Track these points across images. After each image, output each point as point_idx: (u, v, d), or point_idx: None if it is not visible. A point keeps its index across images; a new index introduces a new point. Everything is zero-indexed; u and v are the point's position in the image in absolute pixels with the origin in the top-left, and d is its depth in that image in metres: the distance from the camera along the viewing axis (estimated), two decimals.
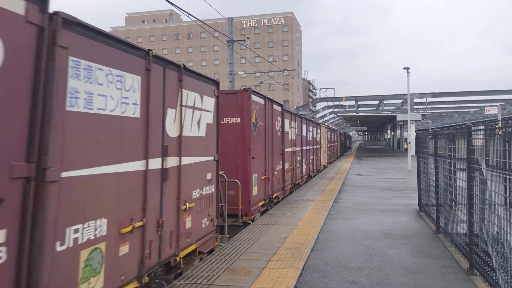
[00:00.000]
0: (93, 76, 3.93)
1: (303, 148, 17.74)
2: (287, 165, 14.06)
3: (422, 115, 44.70)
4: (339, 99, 52.37)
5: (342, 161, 34.67)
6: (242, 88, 9.82)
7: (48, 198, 3.26)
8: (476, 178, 5.67)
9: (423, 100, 49.57)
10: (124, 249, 4.42)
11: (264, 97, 11.16)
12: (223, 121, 9.25)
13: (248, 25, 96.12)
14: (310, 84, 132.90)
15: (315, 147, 22.04)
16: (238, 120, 9.66)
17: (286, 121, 14.15)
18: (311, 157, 20.34)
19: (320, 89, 55.24)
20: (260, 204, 10.64)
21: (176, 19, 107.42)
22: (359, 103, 53.84)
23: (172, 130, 5.64)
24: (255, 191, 10.11)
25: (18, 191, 3.02)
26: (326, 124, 40.37)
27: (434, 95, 48.92)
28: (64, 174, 3.49)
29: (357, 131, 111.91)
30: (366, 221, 9.44)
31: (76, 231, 3.67)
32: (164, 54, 5.78)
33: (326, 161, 28.16)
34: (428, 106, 53.45)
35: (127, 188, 4.51)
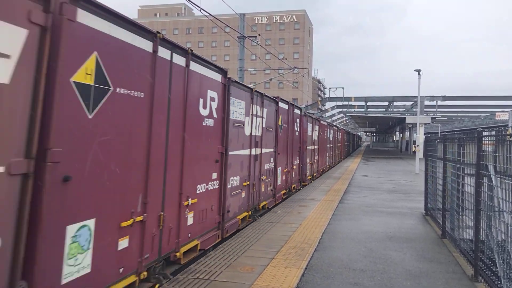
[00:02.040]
0: (234, 104, 8.07)
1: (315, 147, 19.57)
2: (308, 160, 16.55)
3: (432, 118, 44.45)
4: (348, 99, 52.09)
5: (349, 161, 34.55)
6: (273, 97, 11.38)
7: (227, 163, 7.70)
8: (484, 184, 5.61)
9: (434, 103, 49.19)
10: (243, 194, 8.94)
11: (287, 103, 12.94)
12: None
13: (259, 22, 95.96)
14: (320, 83, 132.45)
15: (329, 145, 24.80)
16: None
17: (308, 124, 16.47)
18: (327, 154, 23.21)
19: (330, 88, 54.98)
20: (283, 192, 12.83)
21: (188, 13, 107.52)
22: (368, 103, 53.52)
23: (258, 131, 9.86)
24: (279, 181, 12.24)
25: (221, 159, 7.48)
26: (334, 124, 40.24)
27: (445, 98, 48.47)
28: (230, 153, 7.82)
29: (365, 132, 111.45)
30: (371, 223, 9.39)
31: (231, 180, 8.08)
32: None
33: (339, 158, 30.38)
34: (438, 110, 53.08)
35: (244, 163, 8.91)
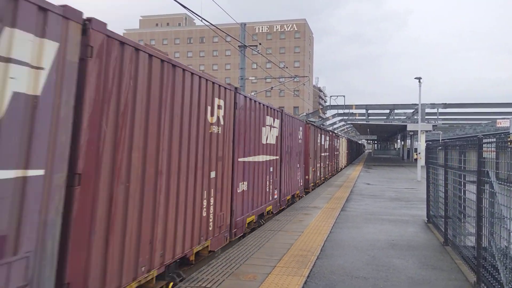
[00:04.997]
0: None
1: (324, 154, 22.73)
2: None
3: (433, 125, 44.42)
4: (349, 107, 52.23)
5: (351, 169, 34.52)
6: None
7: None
8: (486, 191, 5.62)
9: (435, 110, 49.22)
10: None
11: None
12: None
13: (260, 31, 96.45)
14: (321, 91, 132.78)
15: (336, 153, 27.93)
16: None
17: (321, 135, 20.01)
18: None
19: (331, 96, 55.14)
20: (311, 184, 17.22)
21: (190, 23, 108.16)
22: (369, 111, 53.58)
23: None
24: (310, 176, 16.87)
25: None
26: (335, 132, 40.28)
27: (446, 106, 48.50)
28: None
29: (367, 140, 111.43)
30: (373, 231, 9.38)
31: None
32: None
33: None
34: (439, 117, 53.08)
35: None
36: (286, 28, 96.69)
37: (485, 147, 5.69)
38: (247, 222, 8.89)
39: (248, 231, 9.29)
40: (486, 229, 5.60)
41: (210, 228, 6.79)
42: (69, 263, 3.62)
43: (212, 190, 6.81)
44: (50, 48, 3.31)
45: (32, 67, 3.16)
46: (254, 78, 37.56)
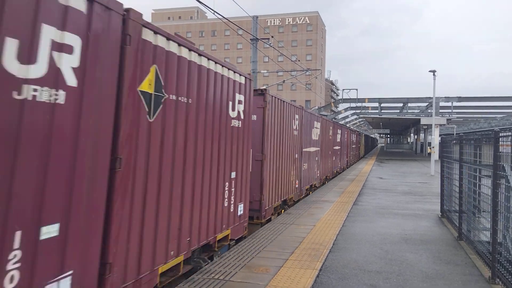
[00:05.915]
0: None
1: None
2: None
3: (447, 119, 43.86)
4: (362, 100, 51.84)
5: (364, 163, 34.31)
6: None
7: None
8: (501, 185, 5.54)
9: (449, 104, 48.60)
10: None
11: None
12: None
13: (272, 24, 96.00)
14: (333, 84, 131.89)
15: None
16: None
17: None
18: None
19: (343, 89, 54.77)
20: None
21: (201, 16, 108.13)
22: (382, 105, 53.12)
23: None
24: (348, 158, 28.36)
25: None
26: (347, 125, 40.08)
27: (460, 99, 47.85)
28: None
29: (379, 134, 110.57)
30: (385, 225, 9.33)
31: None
32: None
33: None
34: (454, 111, 52.38)
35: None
36: (298, 21, 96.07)
37: (501, 141, 5.61)
38: (333, 173, 20.13)
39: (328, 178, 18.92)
40: (501, 224, 5.53)
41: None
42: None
43: (340, 157, 20.60)
44: None
45: None
46: (266, 71, 37.40)
